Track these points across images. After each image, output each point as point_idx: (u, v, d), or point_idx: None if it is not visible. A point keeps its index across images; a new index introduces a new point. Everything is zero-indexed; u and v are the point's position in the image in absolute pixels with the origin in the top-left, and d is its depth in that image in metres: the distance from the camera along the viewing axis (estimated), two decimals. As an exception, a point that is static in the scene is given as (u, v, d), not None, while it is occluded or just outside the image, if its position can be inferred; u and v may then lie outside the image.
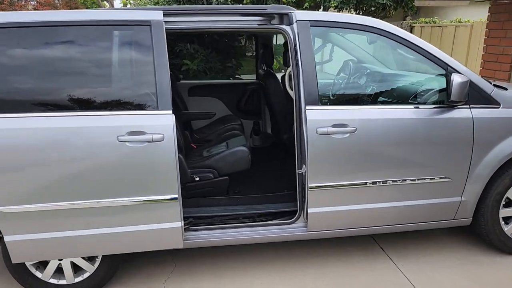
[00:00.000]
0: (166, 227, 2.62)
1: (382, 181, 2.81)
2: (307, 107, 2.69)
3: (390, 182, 2.82)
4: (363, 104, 2.91)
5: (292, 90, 2.88)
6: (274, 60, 4.43)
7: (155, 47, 2.55)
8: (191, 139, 3.97)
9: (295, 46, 2.73)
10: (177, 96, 3.98)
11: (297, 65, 2.72)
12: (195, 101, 4.67)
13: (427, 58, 2.84)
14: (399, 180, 2.83)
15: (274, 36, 4.77)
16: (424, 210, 2.95)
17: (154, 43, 2.55)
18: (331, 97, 3.01)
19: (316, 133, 2.67)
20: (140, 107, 2.55)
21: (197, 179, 3.11)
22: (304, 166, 2.75)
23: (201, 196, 3.14)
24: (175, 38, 6.53)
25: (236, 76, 7.49)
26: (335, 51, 3.52)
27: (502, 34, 5.79)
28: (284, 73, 3.58)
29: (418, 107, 2.82)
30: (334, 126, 2.69)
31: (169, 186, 2.56)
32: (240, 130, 4.11)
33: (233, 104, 4.79)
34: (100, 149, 2.45)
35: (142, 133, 2.48)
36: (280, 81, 3.99)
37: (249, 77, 7.11)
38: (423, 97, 2.99)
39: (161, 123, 2.51)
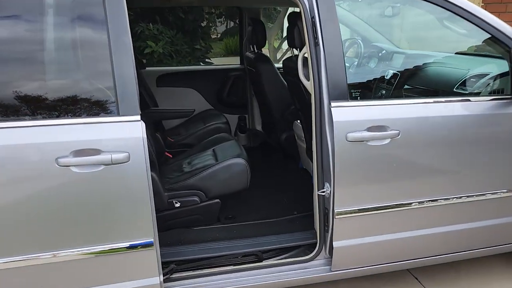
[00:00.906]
0: (136, 287, 1.80)
1: (431, 200, 2.09)
2: (332, 104, 1.91)
3: (442, 201, 2.11)
4: (403, 98, 2.16)
5: (308, 80, 2.09)
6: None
7: (110, 21, 1.69)
8: (164, 143, 3.08)
9: (312, 18, 1.92)
10: (143, 88, 3.08)
11: (316, 44, 1.93)
12: (165, 93, 3.75)
13: (489, 33, 2.10)
14: (453, 197, 2.12)
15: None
16: (479, 235, 2.27)
17: (109, 14, 1.70)
18: (363, 89, 2.24)
19: (345, 139, 1.91)
20: (91, 111, 1.69)
21: (177, 205, 2.27)
22: (327, 185, 1.99)
23: (183, 226, 2.32)
24: (134, 17, 5.59)
25: (207, 60, 6.74)
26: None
27: (502, 8, 5.25)
28: (290, 56, 2.75)
29: (473, 100, 2.10)
30: (369, 129, 1.93)
31: (139, 226, 1.74)
32: (227, 130, 3.26)
33: (212, 95, 3.92)
34: (29, 179, 1.59)
35: (96, 152, 1.64)
36: (279, 66, 3.16)
37: (218, 60, 6.41)
38: (475, 86, 2.28)
39: (125, 135, 1.67)
